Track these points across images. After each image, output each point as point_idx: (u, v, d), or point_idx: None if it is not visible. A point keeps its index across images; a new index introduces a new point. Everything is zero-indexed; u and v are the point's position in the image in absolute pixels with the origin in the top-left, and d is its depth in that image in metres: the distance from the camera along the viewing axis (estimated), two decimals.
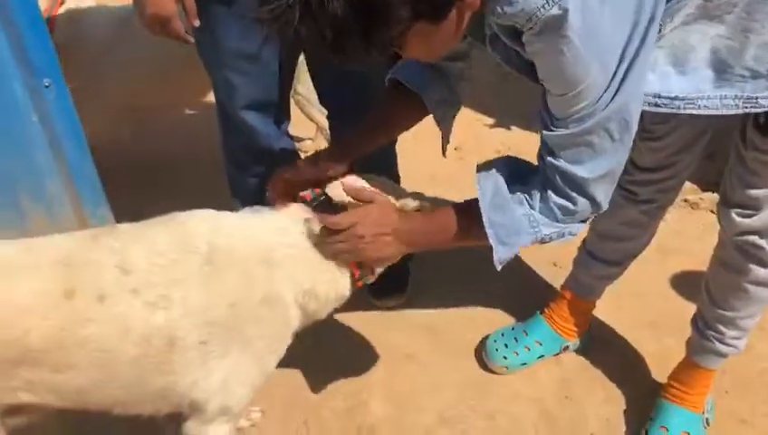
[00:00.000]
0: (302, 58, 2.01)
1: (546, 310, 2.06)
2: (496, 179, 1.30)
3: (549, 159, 1.23)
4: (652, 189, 1.73)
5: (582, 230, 1.33)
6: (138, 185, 2.51)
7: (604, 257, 1.92)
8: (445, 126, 1.56)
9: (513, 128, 3.12)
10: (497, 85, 3.28)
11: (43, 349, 1.17)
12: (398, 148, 2.16)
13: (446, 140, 1.58)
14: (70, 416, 1.43)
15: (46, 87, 1.69)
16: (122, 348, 1.22)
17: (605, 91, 1.13)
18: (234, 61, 1.73)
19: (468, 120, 3.14)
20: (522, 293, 2.26)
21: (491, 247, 1.29)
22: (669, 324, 2.11)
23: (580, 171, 1.22)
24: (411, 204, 1.44)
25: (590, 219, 1.33)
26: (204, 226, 1.33)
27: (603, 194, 1.27)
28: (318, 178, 1.46)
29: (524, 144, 2.84)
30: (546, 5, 1.03)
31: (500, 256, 1.30)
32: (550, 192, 1.26)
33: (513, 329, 2.07)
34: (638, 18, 1.08)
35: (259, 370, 1.36)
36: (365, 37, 1.02)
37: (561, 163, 1.22)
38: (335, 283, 1.41)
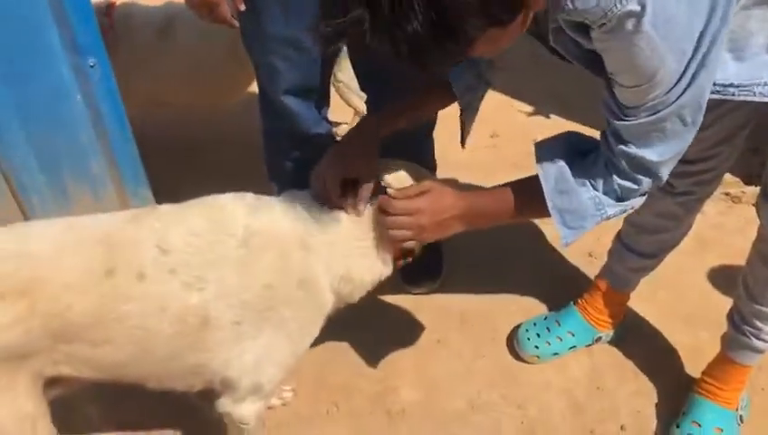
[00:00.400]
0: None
1: (580, 300, 2.05)
2: (559, 162, 1.29)
3: (617, 144, 1.22)
4: (689, 181, 1.70)
5: (643, 202, 1.33)
6: (178, 166, 2.55)
7: (639, 249, 1.90)
8: (468, 114, 1.55)
9: (552, 116, 3.08)
10: (535, 73, 3.23)
11: (83, 324, 1.21)
12: (434, 135, 2.16)
13: (466, 129, 1.58)
14: (107, 389, 1.48)
15: (91, 67, 1.72)
16: (158, 325, 1.25)
17: (680, 79, 1.11)
18: (277, 46, 1.75)
19: (506, 108, 3.12)
20: (555, 282, 2.25)
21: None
22: (705, 318, 2.08)
23: (649, 155, 1.21)
24: None
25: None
26: (241, 209, 1.36)
27: (667, 172, 1.27)
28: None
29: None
30: (624, 0, 1.00)
31: (567, 239, 1.31)
32: (614, 175, 1.25)
33: (545, 318, 2.07)
34: (715, 4, 1.05)
35: (291, 350, 1.39)
36: (442, 50, 1.01)
37: (632, 149, 1.21)
38: (372, 268, 1.44)
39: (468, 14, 0.97)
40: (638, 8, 1.01)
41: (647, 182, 1.25)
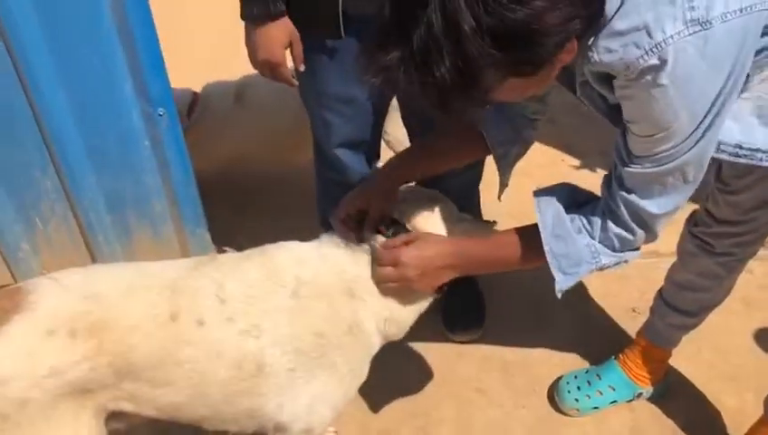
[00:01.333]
0: (394, 101, 2.12)
1: (621, 355, 2.06)
2: (557, 208, 1.33)
3: (619, 190, 1.26)
4: (729, 242, 1.71)
5: (636, 257, 1.36)
6: (235, 209, 2.66)
7: (680, 307, 1.90)
8: (503, 166, 1.59)
9: (599, 170, 3.11)
10: (583, 126, 3.28)
11: (145, 365, 1.29)
12: (482, 186, 2.21)
13: (503, 180, 1.63)
14: (161, 423, 1.54)
15: (160, 116, 1.85)
16: (215, 370, 1.32)
17: (688, 137, 1.14)
18: (331, 102, 1.85)
19: (553, 161, 3.15)
20: (598, 335, 2.26)
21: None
22: (750, 380, 2.06)
23: (648, 206, 1.24)
24: (461, 226, 1.51)
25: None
26: (290, 260, 1.43)
27: (663, 226, 1.30)
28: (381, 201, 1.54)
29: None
30: (646, 56, 1.05)
31: (561, 285, 1.33)
32: (610, 222, 1.28)
33: (586, 372, 2.08)
34: (733, 70, 1.09)
35: (342, 393, 1.45)
36: (465, 95, 1.06)
37: (632, 197, 1.24)
38: (412, 305, 1.49)
39: (490, 66, 1.01)
40: (658, 63, 1.05)
41: (641, 235, 1.29)
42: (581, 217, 1.32)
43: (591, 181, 3.08)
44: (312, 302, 1.38)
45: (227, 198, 2.68)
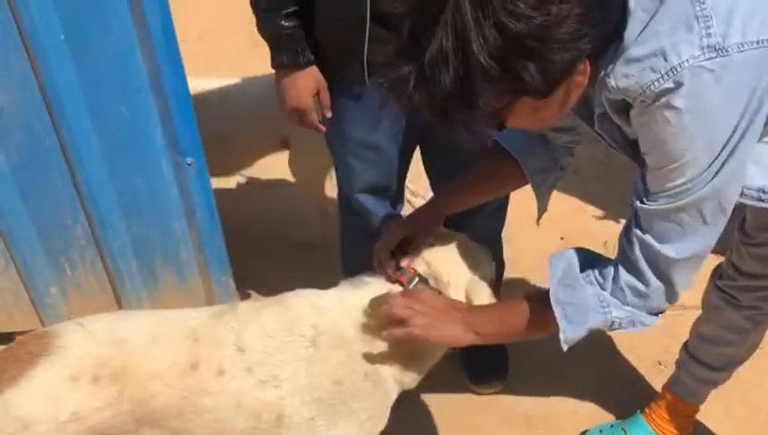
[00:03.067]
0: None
1: (647, 409, 2.02)
2: (569, 261, 1.30)
3: (634, 229, 1.21)
4: (754, 296, 1.68)
5: (655, 323, 1.29)
6: (260, 257, 2.68)
7: (706, 361, 1.87)
8: (542, 192, 1.58)
9: (622, 220, 3.10)
10: (606, 175, 3.29)
11: (165, 413, 1.30)
12: (505, 230, 2.22)
13: (541, 207, 1.61)
14: None
15: (188, 165, 1.89)
16: (234, 420, 1.33)
17: (705, 171, 1.11)
18: (355, 148, 1.89)
19: (576, 210, 3.15)
20: (623, 389, 2.22)
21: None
22: None
23: (665, 250, 1.19)
24: (478, 291, 1.48)
25: (662, 313, 1.29)
26: (308, 309, 1.44)
27: (683, 280, 1.23)
28: (413, 235, 1.54)
29: None
30: (661, 80, 1.04)
31: (566, 335, 1.27)
32: (622, 270, 1.24)
33: (611, 426, 2.04)
34: (750, 103, 1.07)
35: None
36: (472, 110, 1.04)
37: (647, 238, 1.19)
38: (428, 355, 1.48)
39: (497, 80, 1.00)
40: (673, 86, 1.05)
41: (655, 287, 1.23)
42: (594, 270, 1.29)
43: (614, 231, 3.06)
44: (329, 351, 1.38)
45: (255, 247, 2.71)
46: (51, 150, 1.83)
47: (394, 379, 1.46)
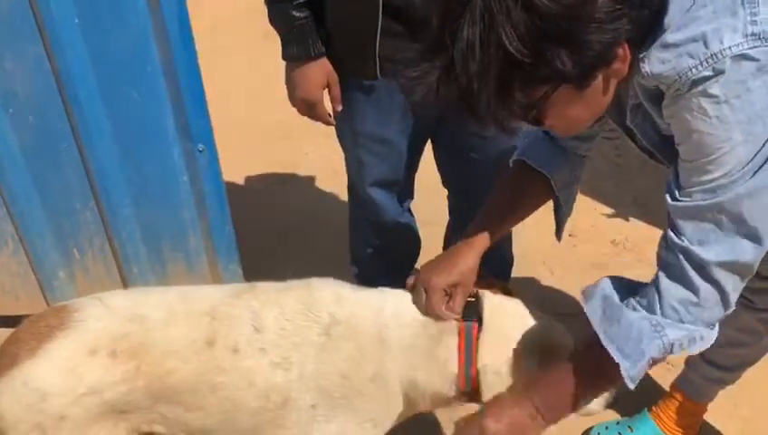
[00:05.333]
0: None
1: (655, 408, 2.01)
2: (604, 294, 1.20)
3: (671, 234, 1.11)
4: None
5: (716, 337, 1.17)
6: (268, 247, 2.69)
7: (717, 362, 1.85)
8: (565, 209, 1.55)
9: (632, 219, 3.09)
10: (616, 174, 3.28)
11: (180, 389, 1.30)
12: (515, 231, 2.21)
13: (562, 222, 1.57)
14: None
15: (200, 151, 1.89)
16: (245, 398, 1.33)
17: (745, 166, 1.02)
18: (366, 142, 1.88)
19: (585, 208, 3.14)
20: None
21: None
22: None
23: (705, 253, 1.08)
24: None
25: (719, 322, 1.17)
26: (330, 296, 1.41)
27: (733, 284, 1.11)
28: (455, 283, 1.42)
29: (642, 236, 2.81)
30: (699, 66, 0.99)
31: (628, 372, 1.14)
32: (665, 285, 1.13)
33: (617, 423, 2.03)
34: None
35: None
36: (501, 99, 1.00)
37: (684, 241, 1.09)
38: (434, 379, 1.40)
39: (524, 69, 0.95)
40: (712, 74, 0.99)
41: (706, 291, 1.11)
42: (635, 297, 1.18)
43: (624, 230, 3.07)
44: (341, 342, 1.37)
45: (264, 238, 2.71)
46: (63, 135, 1.84)
47: (401, 389, 1.40)
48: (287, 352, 1.34)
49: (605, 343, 1.15)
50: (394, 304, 1.42)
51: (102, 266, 2.12)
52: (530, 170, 1.47)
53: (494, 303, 1.40)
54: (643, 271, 1.21)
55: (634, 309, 1.17)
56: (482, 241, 1.48)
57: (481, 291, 1.43)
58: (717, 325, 1.17)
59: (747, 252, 1.09)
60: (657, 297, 1.14)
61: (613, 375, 1.15)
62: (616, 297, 1.19)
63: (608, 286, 1.22)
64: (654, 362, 1.16)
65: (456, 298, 1.39)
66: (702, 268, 1.10)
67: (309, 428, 1.37)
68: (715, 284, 1.11)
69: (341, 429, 1.39)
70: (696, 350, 1.16)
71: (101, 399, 1.25)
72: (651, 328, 1.13)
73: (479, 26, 0.94)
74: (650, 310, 1.15)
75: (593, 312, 1.19)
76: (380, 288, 1.48)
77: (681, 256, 1.11)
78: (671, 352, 1.14)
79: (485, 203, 1.54)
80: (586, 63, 0.98)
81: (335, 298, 1.41)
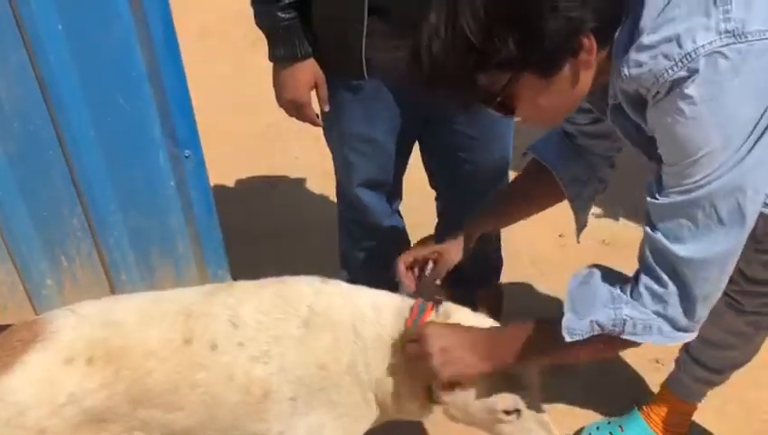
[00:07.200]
0: None
1: (644, 407, 2.02)
2: (591, 270, 1.27)
3: (647, 229, 1.15)
4: (759, 302, 1.65)
5: (680, 340, 1.21)
6: (257, 251, 2.67)
7: (707, 363, 1.85)
8: (579, 206, 1.54)
9: (622, 219, 3.09)
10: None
11: (160, 390, 1.30)
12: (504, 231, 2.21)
13: (581, 222, 1.58)
14: None
15: (186, 157, 1.88)
16: (225, 394, 1.33)
17: (722, 166, 1.04)
18: (353, 142, 1.88)
19: None
20: (620, 386, 2.22)
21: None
22: None
23: (677, 249, 1.11)
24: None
25: (692, 330, 1.21)
26: (308, 290, 1.44)
27: (700, 288, 1.14)
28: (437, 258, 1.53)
29: (632, 237, 2.79)
30: (675, 67, 1.00)
31: (567, 322, 1.19)
32: (641, 275, 1.17)
33: (608, 423, 2.03)
34: None
35: (341, 433, 1.43)
36: (465, 83, 1.03)
37: (658, 236, 1.13)
38: (400, 381, 1.41)
39: (481, 51, 0.98)
40: (687, 74, 1.00)
41: (672, 291, 1.14)
42: (618, 283, 1.22)
43: (614, 230, 3.08)
44: (319, 333, 1.38)
45: (253, 243, 2.70)
46: (48, 142, 1.82)
47: (369, 386, 1.41)
48: (266, 345, 1.35)
49: (566, 295, 1.22)
50: (372, 298, 1.45)
51: (91, 274, 2.10)
52: (540, 168, 1.51)
53: (453, 306, 1.44)
54: (633, 271, 1.23)
55: (611, 285, 1.21)
56: (474, 226, 1.54)
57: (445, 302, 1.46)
58: (692, 333, 1.21)
59: (723, 250, 1.12)
60: (630, 284, 1.19)
61: (563, 355, 1.24)
62: (599, 274, 1.24)
63: (597, 270, 1.26)
64: (603, 332, 1.18)
65: (426, 268, 1.47)
66: (670, 264, 1.13)
67: (291, 420, 1.38)
68: (680, 283, 1.14)
69: (320, 421, 1.39)
70: (655, 341, 1.19)
71: (81, 407, 1.25)
72: (609, 297, 1.18)
73: (445, 8, 0.98)
74: (622, 290, 1.19)
75: (576, 276, 1.25)
76: (361, 286, 1.50)
77: (649, 250, 1.15)
78: (622, 329, 1.17)
79: (494, 193, 1.57)
80: (541, 49, 1.00)
81: (313, 291, 1.43)
